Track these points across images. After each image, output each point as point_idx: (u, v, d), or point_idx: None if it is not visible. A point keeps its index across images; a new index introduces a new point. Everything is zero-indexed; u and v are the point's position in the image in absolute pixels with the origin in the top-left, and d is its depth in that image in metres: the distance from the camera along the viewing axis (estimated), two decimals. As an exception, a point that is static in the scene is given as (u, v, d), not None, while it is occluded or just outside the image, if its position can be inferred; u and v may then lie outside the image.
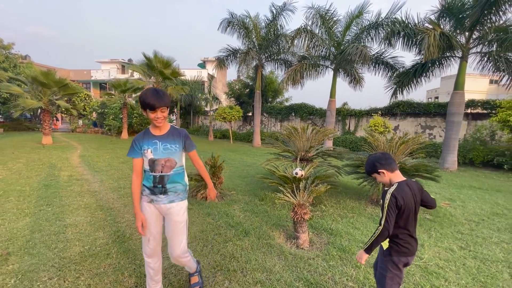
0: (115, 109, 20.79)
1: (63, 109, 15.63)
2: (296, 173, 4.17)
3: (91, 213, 4.18)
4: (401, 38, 9.96)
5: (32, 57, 35.37)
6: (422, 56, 8.64)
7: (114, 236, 3.38)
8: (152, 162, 1.92)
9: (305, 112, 17.66)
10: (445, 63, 10.07)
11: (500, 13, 8.23)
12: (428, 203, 1.80)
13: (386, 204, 1.64)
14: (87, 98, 24.25)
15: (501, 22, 8.46)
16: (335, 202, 5.07)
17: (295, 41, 11.45)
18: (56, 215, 4.04)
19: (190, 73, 25.91)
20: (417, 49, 9.67)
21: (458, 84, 9.37)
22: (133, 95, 19.41)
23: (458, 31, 9.20)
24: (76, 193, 5.20)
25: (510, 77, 9.10)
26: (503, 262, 3.04)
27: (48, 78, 13.12)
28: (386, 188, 1.75)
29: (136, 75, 25.41)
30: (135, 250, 3.04)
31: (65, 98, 20.82)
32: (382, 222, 1.63)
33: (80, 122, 24.69)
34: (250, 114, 21.39)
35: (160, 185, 1.96)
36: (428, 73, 10.43)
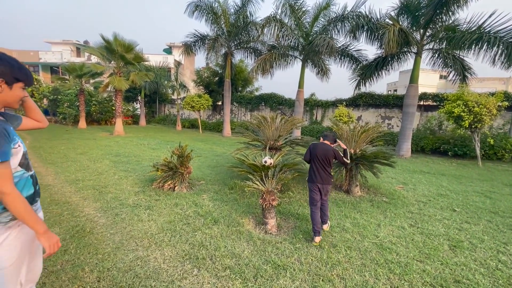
0: (70, 95, 18.98)
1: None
2: (265, 162, 4.24)
3: (44, 209, 3.82)
4: (365, 32, 10.43)
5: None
6: (383, 50, 9.19)
7: (73, 231, 3.16)
8: (25, 157, 1.34)
9: (274, 102, 17.85)
10: (403, 57, 10.83)
11: (450, 13, 9.01)
12: (339, 160, 3.50)
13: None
14: (35, 83, 21.71)
15: (450, 21, 9.28)
16: (302, 189, 5.28)
17: (265, 29, 11.36)
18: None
19: (155, 59, 24.39)
20: (378, 43, 10.23)
21: (413, 77, 10.17)
22: (91, 81, 17.84)
23: (414, 28, 9.91)
24: (25, 188, 4.72)
25: (456, 73, 10.12)
26: (444, 236, 3.47)
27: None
28: None
29: (94, 59, 23.28)
30: (96, 244, 2.88)
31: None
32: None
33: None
34: (219, 103, 21.00)
35: (38, 186, 1.47)
36: (388, 67, 11.14)
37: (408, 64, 10.89)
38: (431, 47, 10.18)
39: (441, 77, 38.94)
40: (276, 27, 11.06)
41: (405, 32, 8.82)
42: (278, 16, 11.35)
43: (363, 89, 12.13)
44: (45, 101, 21.60)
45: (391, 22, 9.08)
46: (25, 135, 12.66)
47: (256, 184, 3.52)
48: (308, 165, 3.64)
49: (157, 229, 3.31)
